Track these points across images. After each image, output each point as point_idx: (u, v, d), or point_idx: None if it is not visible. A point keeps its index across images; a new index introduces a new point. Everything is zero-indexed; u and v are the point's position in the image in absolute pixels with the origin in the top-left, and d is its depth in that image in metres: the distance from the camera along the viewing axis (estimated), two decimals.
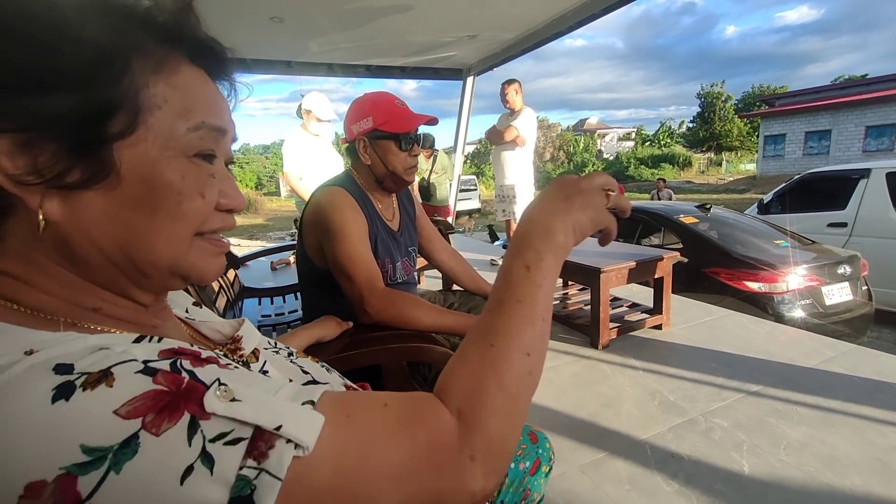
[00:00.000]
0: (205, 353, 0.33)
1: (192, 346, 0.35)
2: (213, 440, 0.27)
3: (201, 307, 0.55)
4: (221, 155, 0.40)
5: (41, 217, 0.32)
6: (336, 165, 3.41)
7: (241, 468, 0.27)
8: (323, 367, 0.60)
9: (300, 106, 3.33)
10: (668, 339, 2.40)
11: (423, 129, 1.28)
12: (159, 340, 0.33)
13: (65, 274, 0.35)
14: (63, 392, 0.26)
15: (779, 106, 21.13)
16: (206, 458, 0.27)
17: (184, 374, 0.29)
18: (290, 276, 2.26)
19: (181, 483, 0.26)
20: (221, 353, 0.45)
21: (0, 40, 0.30)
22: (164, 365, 0.29)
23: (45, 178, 0.31)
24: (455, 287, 1.56)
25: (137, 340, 0.32)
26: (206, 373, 0.30)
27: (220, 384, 0.30)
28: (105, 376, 0.27)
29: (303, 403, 0.32)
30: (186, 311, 0.53)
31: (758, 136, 22.39)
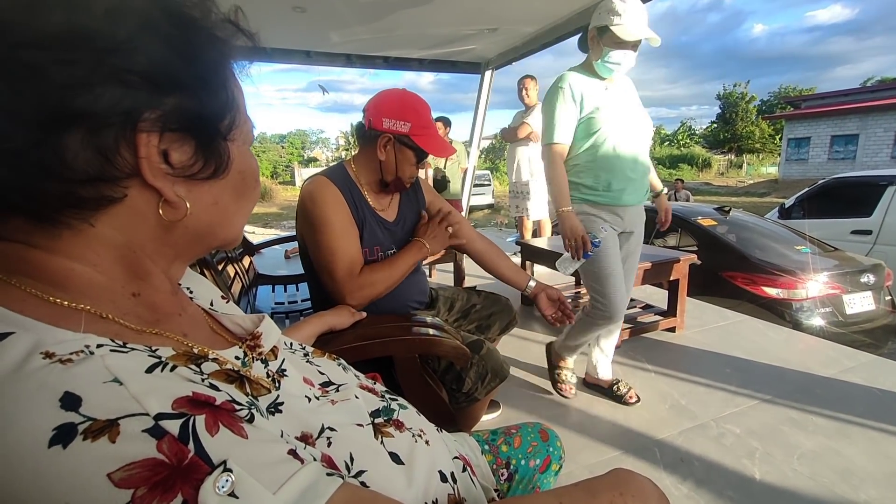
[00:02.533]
0: (220, 399, 0.32)
1: (209, 381, 0.34)
2: None
3: (228, 301, 0.56)
4: None
5: (187, 205, 0.37)
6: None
7: None
8: (339, 365, 0.60)
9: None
10: (682, 343, 2.37)
11: None
12: (172, 369, 0.33)
13: (138, 257, 0.37)
14: (62, 436, 0.25)
15: (804, 108, 20.51)
16: None
17: (190, 445, 0.28)
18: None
19: None
20: (241, 349, 0.45)
21: (150, 43, 0.33)
22: (174, 427, 0.28)
23: (186, 173, 0.36)
24: (478, 286, 1.55)
25: (150, 370, 0.31)
26: (216, 445, 0.29)
27: (226, 469, 0.28)
28: (110, 427, 0.26)
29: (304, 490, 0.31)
30: (211, 304, 0.53)
31: (781, 139, 21.83)
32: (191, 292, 0.52)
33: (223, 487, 0.27)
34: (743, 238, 3.49)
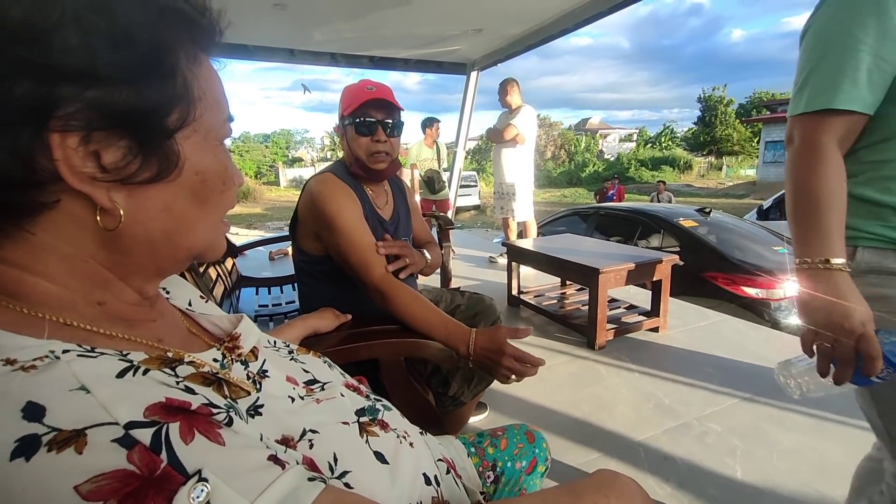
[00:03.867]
0: (195, 403, 0.31)
1: (184, 384, 0.33)
2: None
3: (206, 301, 0.54)
4: None
5: (121, 212, 0.33)
6: None
7: None
8: (325, 363, 0.59)
9: None
10: (665, 342, 2.40)
11: (409, 117, 1.24)
12: (145, 373, 0.31)
13: (91, 266, 0.34)
14: (25, 449, 0.23)
15: (781, 112, 21.10)
16: None
17: (163, 454, 0.26)
18: (288, 267, 2.25)
19: None
20: (220, 351, 0.44)
21: (68, 32, 0.29)
22: (146, 436, 0.26)
23: (118, 177, 0.32)
24: (462, 287, 1.55)
25: (121, 374, 0.30)
26: (190, 454, 0.27)
27: (201, 478, 0.27)
28: (76, 437, 0.24)
29: None
30: (189, 304, 0.52)
31: (759, 142, 22.38)
32: (167, 293, 0.50)
33: (198, 498, 0.26)
34: (723, 239, 3.56)
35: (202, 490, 0.26)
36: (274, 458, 0.32)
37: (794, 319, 3.04)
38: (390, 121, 1.14)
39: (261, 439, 0.35)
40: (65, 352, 0.29)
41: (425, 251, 1.29)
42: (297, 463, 0.35)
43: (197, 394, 0.32)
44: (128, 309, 0.38)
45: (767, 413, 1.72)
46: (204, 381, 0.36)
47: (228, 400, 0.36)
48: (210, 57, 0.39)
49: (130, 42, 0.31)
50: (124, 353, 0.32)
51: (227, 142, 0.44)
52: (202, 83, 0.36)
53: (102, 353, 0.31)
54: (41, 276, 0.33)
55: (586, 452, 1.51)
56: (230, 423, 0.32)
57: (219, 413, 0.32)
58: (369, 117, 1.11)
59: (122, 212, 0.33)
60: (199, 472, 0.27)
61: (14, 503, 0.23)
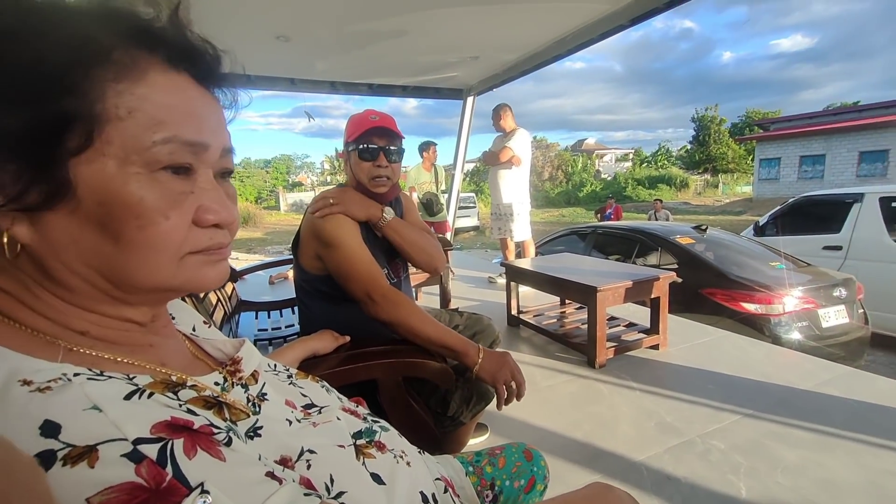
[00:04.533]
0: (198, 423, 0.32)
1: (187, 407, 0.34)
2: None
3: (210, 327, 0.56)
4: (205, 166, 0.37)
5: (5, 239, 0.31)
6: None
7: None
8: (322, 387, 0.60)
9: None
10: (665, 360, 2.39)
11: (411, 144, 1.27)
12: (150, 396, 0.33)
13: (48, 296, 0.34)
14: (42, 463, 0.25)
15: (773, 130, 21.45)
16: None
17: (168, 468, 0.28)
18: (288, 291, 2.26)
19: None
20: (221, 375, 0.45)
21: None
22: (153, 451, 0.28)
23: (8, 200, 0.30)
24: (461, 308, 1.55)
25: (128, 397, 0.31)
26: (193, 468, 0.29)
27: (203, 491, 0.28)
28: (89, 452, 0.26)
29: None
30: (193, 329, 0.53)
31: (753, 159, 22.69)
32: (173, 318, 0.52)
33: None
34: (720, 256, 3.59)
35: (204, 501, 0.28)
36: (271, 475, 0.34)
37: (794, 334, 3.03)
38: (392, 147, 1.20)
39: (259, 459, 0.36)
40: (76, 375, 0.31)
41: (387, 208, 1.23)
42: (294, 481, 0.36)
43: (199, 415, 0.34)
44: (115, 335, 0.38)
45: (770, 429, 1.71)
46: (205, 405, 0.37)
47: (228, 422, 0.38)
48: (179, 70, 0.36)
49: (5, 62, 0.29)
50: (130, 376, 0.34)
51: None
52: (131, 101, 0.32)
53: (111, 377, 0.33)
54: (27, 305, 0.34)
55: (588, 473, 1.49)
56: (229, 442, 0.34)
57: (219, 433, 0.34)
58: (372, 144, 1.18)
59: (16, 238, 0.31)
60: (202, 484, 0.28)
61: None
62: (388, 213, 1.23)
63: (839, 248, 4.37)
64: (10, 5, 0.31)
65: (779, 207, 5.26)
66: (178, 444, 0.30)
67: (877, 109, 17.75)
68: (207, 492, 0.28)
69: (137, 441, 0.28)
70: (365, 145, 1.17)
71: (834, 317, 3.19)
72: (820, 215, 4.77)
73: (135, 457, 0.27)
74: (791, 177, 19.19)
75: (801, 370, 2.22)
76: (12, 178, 0.30)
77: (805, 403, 1.90)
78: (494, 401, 1.08)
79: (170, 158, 0.34)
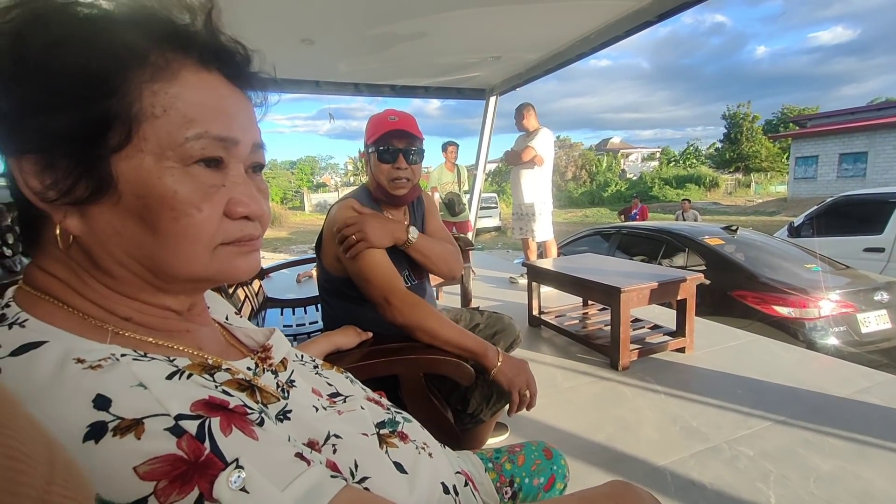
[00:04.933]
0: (233, 403, 0.34)
1: (222, 388, 0.36)
2: None
3: (241, 316, 0.59)
4: (236, 161, 0.39)
5: (58, 231, 0.34)
6: None
7: None
8: (347, 378, 0.62)
9: None
10: (692, 363, 2.33)
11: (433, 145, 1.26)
12: (189, 377, 0.35)
13: (96, 284, 0.37)
14: (95, 433, 0.28)
15: (811, 127, 20.55)
16: None
17: (206, 444, 0.30)
18: (313, 289, 2.31)
19: None
20: (253, 361, 0.47)
21: (8, 64, 0.31)
22: (193, 426, 0.30)
23: (60, 194, 0.33)
24: (482, 307, 1.55)
25: (170, 377, 0.34)
26: (229, 444, 0.31)
27: (238, 466, 0.30)
28: (136, 425, 0.28)
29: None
30: (227, 318, 0.56)
31: (788, 158, 21.80)
32: (209, 307, 0.55)
33: (235, 483, 0.29)
34: (751, 257, 3.47)
35: (239, 476, 0.30)
36: (300, 456, 0.36)
37: (831, 339, 2.90)
38: (411, 149, 1.19)
39: (289, 440, 0.38)
40: (123, 355, 0.34)
41: (412, 228, 1.22)
42: (321, 463, 0.38)
43: (233, 396, 0.36)
44: (155, 321, 0.40)
45: (803, 437, 1.65)
46: (239, 387, 0.39)
47: (260, 405, 0.40)
48: (211, 69, 0.38)
49: (54, 66, 0.32)
50: (171, 359, 0.36)
51: None
52: (165, 100, 0.34)
53: (153, 359, 0.35)
54: (75, 290, 0.37)
55: (609, 475, 1.47)
56: (262, 423, 0.36)
57: (252, 413, 0.36)
58: (391, 146, 1.18)
59: (68, 230, 0.34)
60: (237, 460, 0.30)
61: None
62: (413, 233, 1.21)
63: (881, 249, 4.16)
64: (58, 16, 0.33)
65: (816, 207, 5.04)
66: (216, 422, 0.32)
67: None
68: (242, 467, 0.30)
69: (179, 417, 0.30)
70: (384, 147, 1.17)
71: (874, 322, 3.03)
72: (861, 216, 4.55)
73: (177, 431, 0.29)
74: (830, 175, 18.33)
75: (838, 376, 2.13)
76: (64, 173, 0.33)
77: (841, 411, 1.82)
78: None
79: (202, 153, 0.36)
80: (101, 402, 0.29)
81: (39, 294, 0.36)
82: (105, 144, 0.33)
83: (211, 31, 0.38)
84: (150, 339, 0.39)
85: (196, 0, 0.37)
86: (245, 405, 0.36)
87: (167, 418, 0.30)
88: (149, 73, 0.34)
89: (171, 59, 0.36)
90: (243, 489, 0.29)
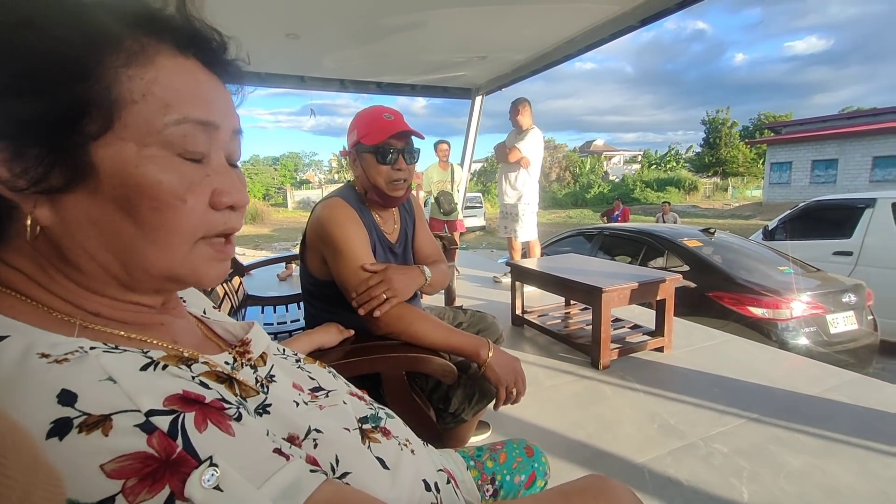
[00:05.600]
0: (209, 397, 0.33)
1: (199, 379, 0.35)
2: None
3: (219, 310, 0.57)
4: (217, 150, 0.38)
5: (28, 221, 0.32)
6: None
7: None
8: (329, 372, 0.61)
9: None
10: (670, 362, 2.38)
11: (418, 143, 1.24)
12: (164, 368, 0.33)
13: (62, 278, 0.35)
14: (59, 429, 0.26)
15: (785, 134, 21.20)
16: None
17: (178, 441, 0.29)
18: (294, 286, 2.28)
19: None
20: (231, 355, 0.46)
21: None
22: (165, 423, 0.29)
23: (31, 183, 0.31)
24: (465, 306, 1.55)
25: (143, 368, 0.32)
26: (203, 441, 0.30)
27: (212, 464, 0.29)
28: (103, 421, 0.27)
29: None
30: (203, 312, 0.54)
31: (764, 163, 22.45)
32: (184, 301, 0.53)
33: (209, 481, 0.28)
34: (728, 259, 3.56)
35: (213, 474, 0.29)
36: (278, 451, 0.35)
37: (802, 340, 3.00)
38: (409, 148, 1.17)
39: (267, 435, 0.37)
40: (92, 348, 0.32)
41: (425, 268, 1.26)
42: (300, 458, 0.37)
43: (211, 389, 0.35)
44: (127, 315, 0.39)
45: (775, 434, 1.70)
46: (217, 379, 0.38)
47: (239, 398, 0.39)
48: (187, 54, 0.37)
49: (23, 49, 0.30)
50: (145, 350, 0.35)
51: (238, 162, 0.41)
52: (141, 85, 0.33)
53: (125, 351, 0.34)
54: (40, 284, 0.35)
55: (589, 472, 1.49)
56: (240, 417, 0.34)
57: (230, 408, 0.34)
58: (392, 147, 1.14)
59: (37, 221, 0.33)
60: (211, 458, 0.29)
61: None
62: (427, 272, 1.20)
63: (850, 253, 4.31)
64: None
65: (789, 212, 5.20)
66: (190, 418, 0.30)
67: (892, 114, 17.48)
68: (216, 465, 0.29)
69: (150, 413, 0.29)
70: (385, 149, 1.13)
71: (842, 323, 3.15)
72: (831, 220, 4.71)
73: (147, 428, 0.28)
74: (803, 181, 18.96)
75: (808, 375, 2.20)
76: (34, 161, 0.32)
77: (811, 409, 1.88)
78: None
79: (184, 141, 0.35)
80: (66, 398, 0.27)
81: (0, 288, 0.35)
82: (82, 131, 0.32)
83: (185, 16, 0.37)
84: (122, 333, 0.37)
85: None
86: (222, 399, 0.35)
87: (137, 414, 0.28)
88: (124, 57, 0.33)
89: (146, 44, 0.34)
90: (217, 487, 0.28)
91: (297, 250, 1.33)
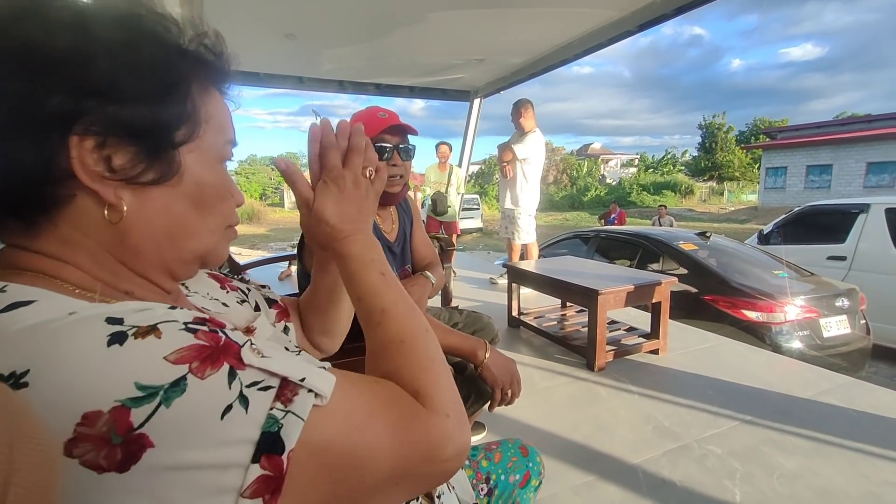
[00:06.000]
0: (229, 326, 0.37)
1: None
2: (248, 386, 0.31)
3: (227, 293, 0.59)
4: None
5: (125, 207, 0.38)
6: None
7: (270, 409, 0.32)
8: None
9: None
10: (665, 365, 2.40)
11: (414, 141, 1.26)
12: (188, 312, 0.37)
13: (110, 260, 0.39)
14: (117, 339, 0.29)
15: (781, 139, 21.36)
16: (243, 400, 0.31)
17: (220, 333, 0.33)
18: (295, 287, 2.28)
19: (221, 418, 0.30)
20: None
21: (102, 62, 0.35)
22: (203, 326, 0.33)
23: (124, 177, 0.37)
24: (460, 306, 1.56)
25: (172, 308, 0.36)
26: (236, 335, 0.35)
27: (252, 344, 0.34)
28: (153, 329, 0.31)
29: (319, 367, 0.37)
30: (207, 294, 0.55)
31: (759, 168, 22.60)
32: (187, 289, 0.54)
33: (255, 349, 0.34)
34: (723, 263, 3.58)
35: (257, 348, 0.34)
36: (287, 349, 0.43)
37: (795, 343, 3.02)
38: (404, 145, 1.18)
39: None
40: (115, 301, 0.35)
41: (429, 275, 1.27)
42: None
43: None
44: (152, 297, 0.42)
45: (768, 436, 1.71)
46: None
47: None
48: (220, 90, 0.46)
49: (149, 73, 0.37)
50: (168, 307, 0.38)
51: (234, 164, 0.48)
52: (209, 109, 0.42)
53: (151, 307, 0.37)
54: (74, 265, 0.38)
55: (584, 474, 1.50)
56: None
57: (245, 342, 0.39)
58: (385, 143, 1.15)
59: (125, 207, 0.38)
60: (249, 340, 0.35)
61: (118, 375, 0.28)
62: (431, 277, 1.27)
63: (843, 258, 4.35)
64: (130, 18, 0.38)
65: (784, 216, 5.24)
66: (216, 326, 0.35)
67: (886, 120, 17.66)
68: (255, 344, 0.35)
69: (187, 324, 0.33)
70: (379, 144, 1.14)
71: (835, 327, 3.18)
72: (825, 225, 4.75)
73: (191, 329, 0.32)
74: (797, 186, 19.10)
75: (801, 379, 2.22)
76: (130, 159, 0.37)
77: (804, 412, 1.90)
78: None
79: (229, 154, 0.46)
80: (114, 321, 0.31)
81: (20, 270, 0.37)
82: (176, 138, 0.39)
83: (223, 62, 0.45)
84: None
85: (188, 21, 0.43)
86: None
87: (177, 323, 0.32)
88: (202, 87, 0.42)
89: (208, 79, 0.44)
90: (264, 356, 0.33)
91: (293, 250, 1.33)
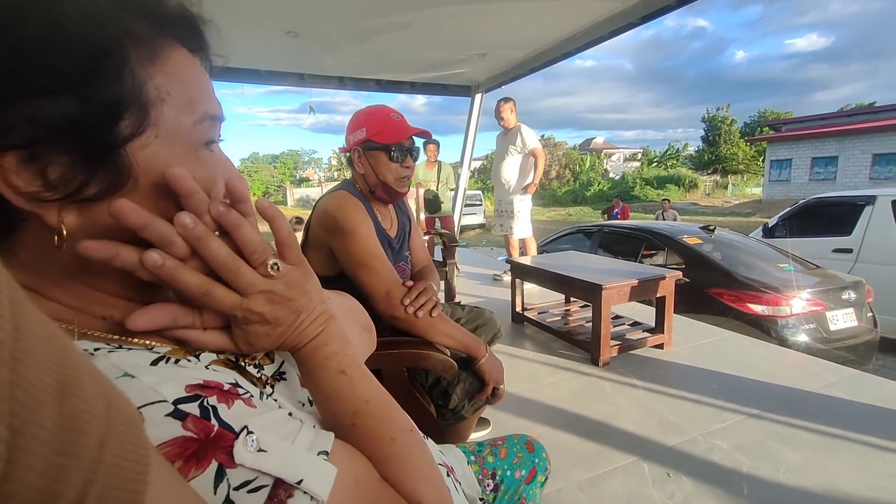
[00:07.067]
0: (226, 385, 0.33)
1: (212, 367, 0.35)
2: (237, 488, 0.28)
3: None
4: (217, 138, 0.38)
5: (64, 232, 0.30)
6: None
7: None
8: None
9: None
10: (670, 359, 2.39)
11: (418, 142, 1.30)
12: (176, 362, 0.33)
13: (78, 285, 0.34)
14: None
15: (785, 131, 21.17)
16: None
17: (212, 420, 0.29)
18: None
19: None
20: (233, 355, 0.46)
21: None
22: (194, 408, 0.29)
23: (63, 193, 0.29)
24: (462, 302, 1.57)
25: (155, 363, 0.32)
26: (233, 415, 0.30)
27: (249, 432, 0.30)
28: None
29: (318, 453, 0.34)
30: None
31: (763, 161, 22.43)
32: None
33: (252, 445, 0.29)
34: (728, 256, 3.56)
35: (254, 440, 0.30)
36: (290, 415, 0.36)
37: (801, 336, 3.01)
38: (415, 147, 1.24)
39: (279, 407, 0.38)
40: (96, 349, 0.31)
41: (431, 284, 1.30)
42: (309, 418, 0.39)
43: (225, 374, 0.36)
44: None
45: (774, 430, 1.71)
46: (227, 365, 0.38)
47: (249, 383, 0.39)
48: (188, 49, 0.35)
49: (56, 45, 0.27)
50: (150, 346, 0.35)
51: (236, 163, 0.41)
52: (165, 82, 0.32)
53: (131, 348, 0.33)
54: (44, 295, 0.33)
55: (589, 469, 1.50)
56: (252, 397, 0.36)
57: (245, 393, 0.35)
58: (404, 146, 1.20)
59: (64, 231, 0.30)
60: (246, 426, 0.30)
61: None
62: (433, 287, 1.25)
63: (849, 250, 4.31)
64: None
65: (789, 209, 5.20)
66: (213, 399, 0.31)
67: (892, 111, 17.45)
68: (252, 432, 0.30)
69: (176, 402, 0.29)
70: (399, 148, 1.19)
71: (842, 320, 3.16)
72: (831, 217, 4.71)
73: (179, 415, 0.28)
74: (802, 178, 18.95)
75: (807, 372, 2.21)
76: (66, 170, 0.29)
77: (810, 405, 1.89)
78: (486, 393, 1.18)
79: (205, 136, 0.35)
80: None
81: None
82: (119, 132, 0.30)
83: (182, 7, 0.35)
84: (119, 336, 0.36)
85: None
86: (237, 384, 0.35)
87: (165, 404, 0.28)
88: (146, 53, 0.31)
89: (158, 37, 0.33)
90: (260, 450, 0.30)
91: None
